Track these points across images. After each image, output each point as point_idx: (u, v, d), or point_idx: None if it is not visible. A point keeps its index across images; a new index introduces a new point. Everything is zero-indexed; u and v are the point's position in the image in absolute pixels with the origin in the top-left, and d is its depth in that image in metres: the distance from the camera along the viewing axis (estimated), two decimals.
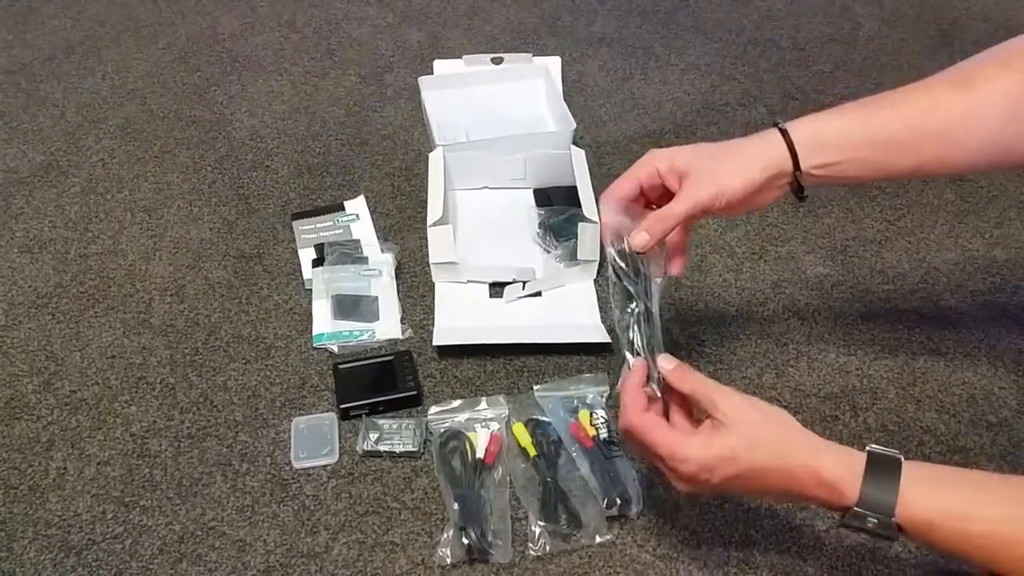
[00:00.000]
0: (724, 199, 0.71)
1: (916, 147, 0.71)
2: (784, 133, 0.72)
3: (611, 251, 0.74)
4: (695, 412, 0.70)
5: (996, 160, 0.73)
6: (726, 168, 0.71)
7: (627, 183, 0.75)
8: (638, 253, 0.73)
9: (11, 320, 1.01)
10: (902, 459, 0.63)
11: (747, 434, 0.64)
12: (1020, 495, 0.62)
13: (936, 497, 0.62)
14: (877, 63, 1.40)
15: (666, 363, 0.70)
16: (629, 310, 0.73)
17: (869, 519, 0.62)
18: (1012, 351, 0.96)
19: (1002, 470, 0.84)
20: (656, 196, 0.76)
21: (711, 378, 0.68)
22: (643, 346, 0.72)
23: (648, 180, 0.74)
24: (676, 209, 0.71)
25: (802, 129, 0.72)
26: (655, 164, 0.73)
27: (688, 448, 0.65)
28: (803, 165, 0.71)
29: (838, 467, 0.63)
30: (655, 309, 0.73)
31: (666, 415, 0.70)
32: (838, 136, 0.72)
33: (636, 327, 0.72)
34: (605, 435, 0.85)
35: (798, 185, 0.73)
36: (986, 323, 0.99)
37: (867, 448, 0.64)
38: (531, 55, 1.31)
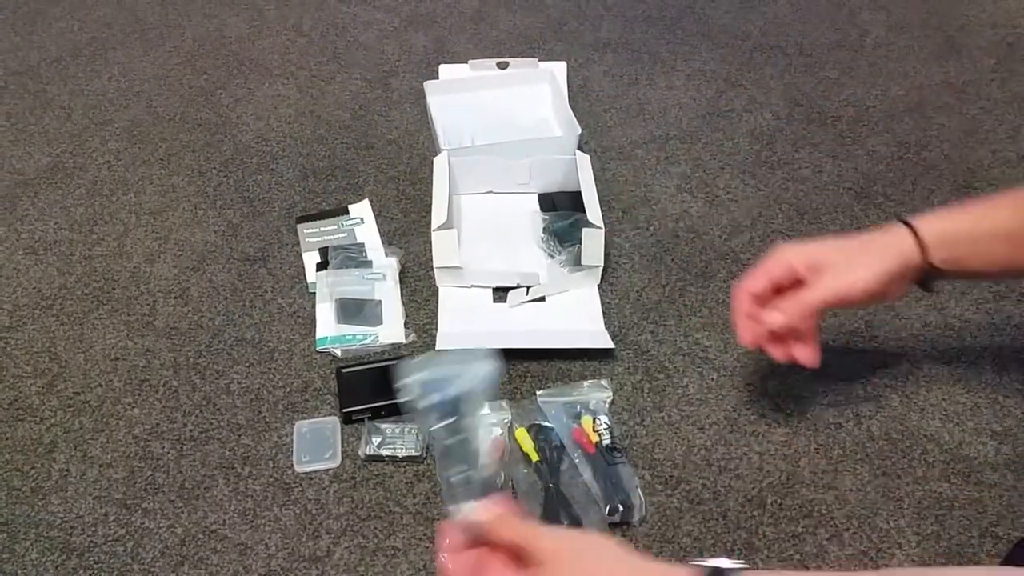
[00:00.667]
0: (858, 290, 0.74)
1: None
2: (911, 227, 0.75)
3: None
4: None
5: None
6: (860, 261, 0.75)
7: (762, 279, 0.77)
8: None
9: (15, 321, 1.01)
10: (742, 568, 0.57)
11: (564, 568, 0.55)
12: None
13: None
14: (884, 70, 1.39)
15: (484, 513, 0.59)
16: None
17: None
18: (1017, 360, 0.95)
19: (1006, 479, 0.84)
20: (783, 291, 0.78)
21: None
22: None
23: (784, 276, 0.77)
24: (813, 297, 0.75)
25: (929, 226, 0.75)
26: (789, 260, 0.76)
27: None
28: (932, 259, 0.74)
29: None
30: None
31: None
32: (964, 230, 0.75)
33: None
34: (608, 441, 0.85)
35: (921, 280, 0.77)
36: (991, 331, 0.99)
37: (691, 563, 0.57)
38: (537, 60, 1.32)
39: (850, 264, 0.74)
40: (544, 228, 1.08)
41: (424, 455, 0.86)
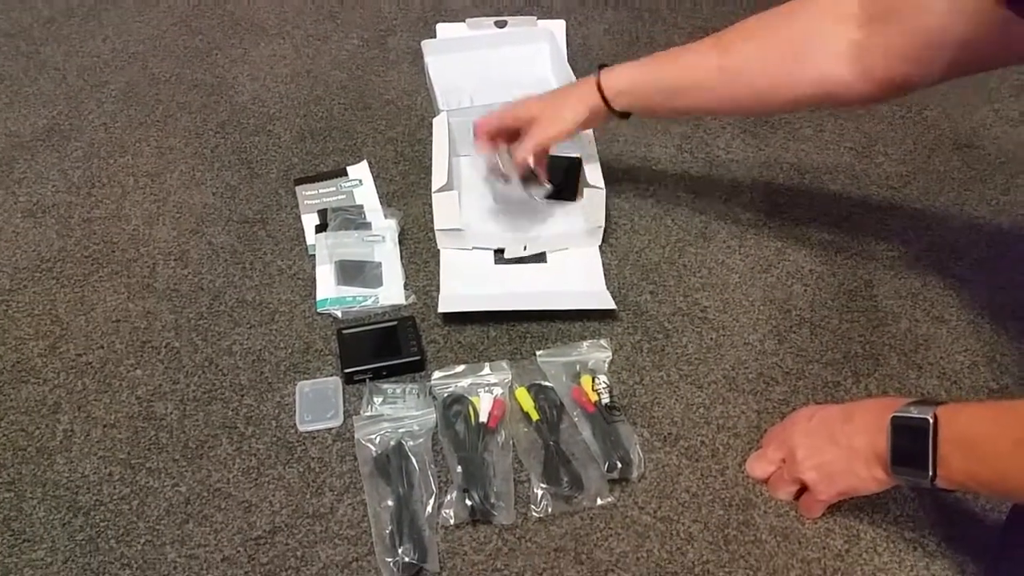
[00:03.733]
0: (558, 138, 0.97)
1: (690, 94, 0.91)
2: (598, 83, 0.93)
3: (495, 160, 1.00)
4: None
5: (749, 108, 1.02)
6: (558, 114, 0.95)
7: (496, 122, 0.99)
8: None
9: (16, 284, 1.01)
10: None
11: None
12: None
13: (972, 405, 0.72)
14: None
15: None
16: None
17: (911, 409, 0.68)
18: (1015, 318, 0.96)
19: None
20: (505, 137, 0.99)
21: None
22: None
23: (513, 123, 0.98)
24: (527, 144, 0.95)
25: (611, 77, 0.93)
26: (510, 115, 0.98)
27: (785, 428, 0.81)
28: (612, 105, 0.93)
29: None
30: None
31: None
32: (634, 84, 0.93)
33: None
34: (606, 400, 0.85)
35: (615, 115, 0.95)
36: (990, 290, 0.99)
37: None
38: (535, 18, 1.30)
39: (555, 115, 0.95)
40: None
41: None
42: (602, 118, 0.96)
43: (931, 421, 0.65)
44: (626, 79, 0.93)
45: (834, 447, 0.74)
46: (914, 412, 0.67)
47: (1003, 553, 0.73)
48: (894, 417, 0.68)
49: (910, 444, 0.67)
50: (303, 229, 1.06)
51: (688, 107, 0.97)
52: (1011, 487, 0.64)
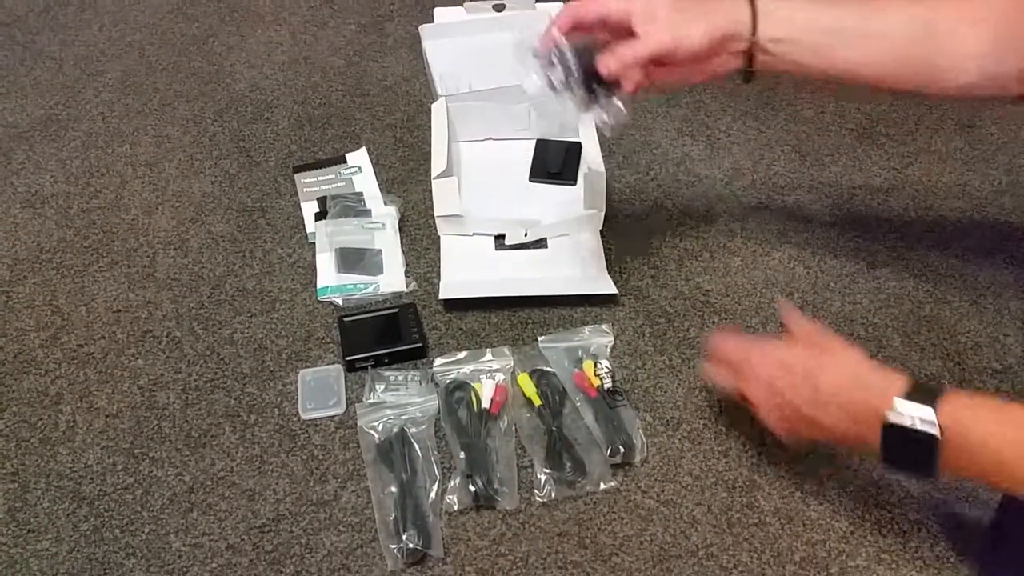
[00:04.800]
0: (685, 47, 0.74)
1: (860, 44, 0.76)
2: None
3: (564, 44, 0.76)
4: None
5: (912, 79, 0.78)
6: (692, 18, 0.74)
7: (587, 10, 0.76)
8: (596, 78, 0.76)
9: (16, 275, 1.01)
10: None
11: (814, 342, 0.74)
12: None
13: (973, 397, 0.64)
14: None
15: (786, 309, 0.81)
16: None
17: (911, 410, 0.63)
18: (1018, 299, 0.95)
19: None
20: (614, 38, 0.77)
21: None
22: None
23: (617, 15, 0.75)
24: (643, 47, 0.74)
25: (767, 1, 0.75)
26: (624, 4, 0.75)
27: (764, 346, 0.75)
28: (760, 34, 0.75)
29: (887, 376, 0.67)
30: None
31: None
32: (798, 13, 0.76)
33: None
34: (609, 385, 0.85)
35: (749, 60, 0.77)
36: (992, 271, 0.98)
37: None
38: (534, 1, 1.29)
39: (682, 20, 0.74)
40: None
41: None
42: (731, 59, 0.77)
43: (938, 437, 0.61)
44: (789, 7, 0.76)
45: (806, 422, 0.71)
46: (916, 423, 0.62)
47: (998, 530, 0.73)
48: (891, 425, 0.63)
49: (909, 453, 0.63)
50: (303, 217, 1.06)
51: (856, 64, 0.77)
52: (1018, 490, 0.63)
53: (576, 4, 0.76)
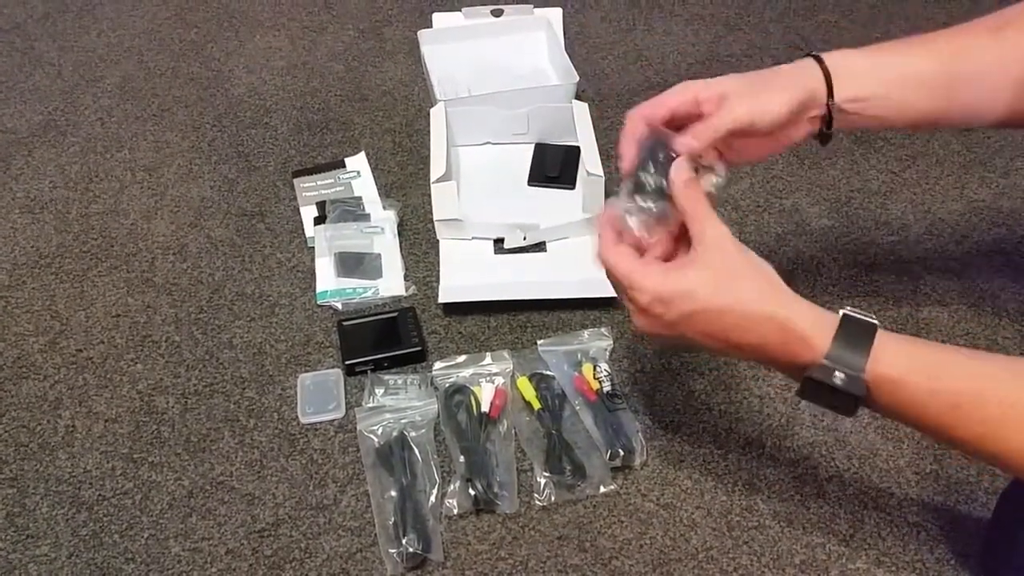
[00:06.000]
0: (768, 118, 0.69)
1: (945, 89, 0.71)
2: (820, 61, 0.71)
3: (634, 176, 0.69)
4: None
5: (1017, 115, 0.72)
6: (768, 90, 0.70)
7: (659, 107, 0.70)
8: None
9: (15, 280, 1.01)
10: (878, 324, 0.60)
11: (715, 273, 0.61)
12: (993, 360, 0.61)
13: (907, 356, 0.59)
14: (884, 12, 1.37)
15: (679, 173, 0.65)
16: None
17: (836, 373, 0.58)
18: (1016, 301, 0.95)
19: None
20: (684, 126, 0.71)
21: None
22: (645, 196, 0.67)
23: (683, 107, 0.70)
24: (722, 121, 0.68)
25: (837, 59, 0.71)
26: (694, 90, 0.70)
27: (646, 277, 0.63)
28: (837, 96, 0.70)
29: (808, 321, 0.60)
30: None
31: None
32: (872, 69, 0.71)
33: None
34: (608, 388, 0.85)
35: (827, 122, 0.72)
36: (991, 273, 0.99)
37: (841, 311, 0.61)
38: (532, 6, 1.29)
39: (758, 93, 0.69)
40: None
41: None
42: (808, 124, 0.72)
43: (862, 396, 0.59)
44: (863, 60, 0.71)
45: (693, 345, 0.65)
46: (841, 381, 0.58)
47: (995, 532, 0.73)
48: (809, 379, 0.60)
49: (829, 399, 0.60)
50: (302, 221, 1.06)
51: (943, 110, 0.72)
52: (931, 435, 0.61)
53: (639, 108, 0.70)
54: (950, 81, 0.71)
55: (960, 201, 1.08)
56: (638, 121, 0.70)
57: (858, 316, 0.61)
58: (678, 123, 0.70)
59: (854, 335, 0.59)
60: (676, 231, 0.68)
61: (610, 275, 0.68)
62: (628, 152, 0.69)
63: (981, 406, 0.58)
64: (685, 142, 0.68)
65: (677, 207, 0.66)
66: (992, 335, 0.92)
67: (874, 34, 1.32)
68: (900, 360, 0.59)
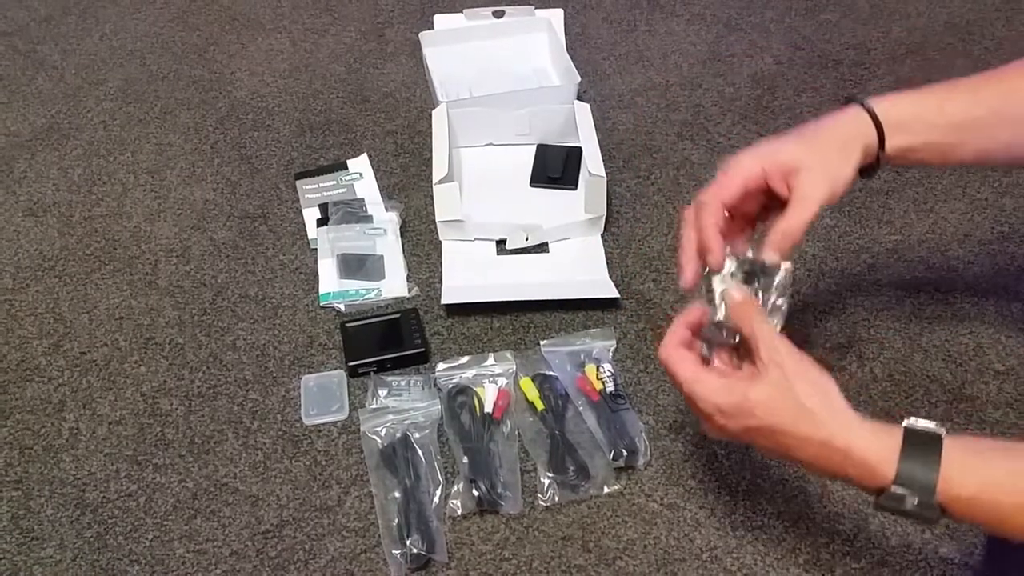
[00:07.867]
0: (839, 191, 0.67)
1: (991, 132, 0.71)
2: (867, 109, 0.70)
3: (721, 277, 0.68)
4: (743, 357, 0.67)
5: None
6: (832, 159, 0.68)
7: (730, 188, 0.68)
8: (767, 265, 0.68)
9: (18, 283, 1.01)
10: (943, 434, 0.58)
11: (773, 393, 0.61)
12: None
13: (977, 473, 0.57)
14: (885, 10, 1.37)
15: (737, 294, 0.66)
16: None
17: (908, 499, 0.57)
18: (1020, 299, 0.95)
19: (1008, 418, 0.84)
20: (753, 205, 0.70)
21: None
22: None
23: (754, 182, 0.68)
24: (801, 217, 0.66)
25: (887, 109, 0.70)
26: (757, 164, 0.68)
27: (706, 387, 0.62)
28: (888, 147, 0.70)
29: (872, 444, 0.59)
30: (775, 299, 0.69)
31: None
32: (921, 116, 0.70)
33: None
34: (611, 388, 0.85)
35: (871, 168, 0.71)
36: (994, 272, 0.98)
37: (904, 424, 0.59)
38: (533, 8, 1.29)
39: (827, 162, 0.67)
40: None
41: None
42: (863, 169, 0.70)
43: (938, 511, 0.57)
44: (911, 107, 0.70)
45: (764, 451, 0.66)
46: (913, 506, 0.57)
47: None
48: (884, 497, 0.58)
49: (905, 513, 0.58)
50: (304, 223, 1.06)
51: (988, 151, 0.72)
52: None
53: (708, 194, 0.68)
54: (997, 124, 0.71)
55: (962, 200, 1.07)
56: (717, 209, 0.67)
57: (921, 428, 0.59)
58: (748, 196, 0.69)
59: (920, 454, 0.58)
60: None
61: (670, 377, 0.66)
62: (716, 245, 0.67)
63: None
64: (776, 246, 0.67)
65: (734, 325, 0.66)
66: (996, 334, 0.92)
67: (875, 33, 1.32)
68: (971, 478, 0.57)
